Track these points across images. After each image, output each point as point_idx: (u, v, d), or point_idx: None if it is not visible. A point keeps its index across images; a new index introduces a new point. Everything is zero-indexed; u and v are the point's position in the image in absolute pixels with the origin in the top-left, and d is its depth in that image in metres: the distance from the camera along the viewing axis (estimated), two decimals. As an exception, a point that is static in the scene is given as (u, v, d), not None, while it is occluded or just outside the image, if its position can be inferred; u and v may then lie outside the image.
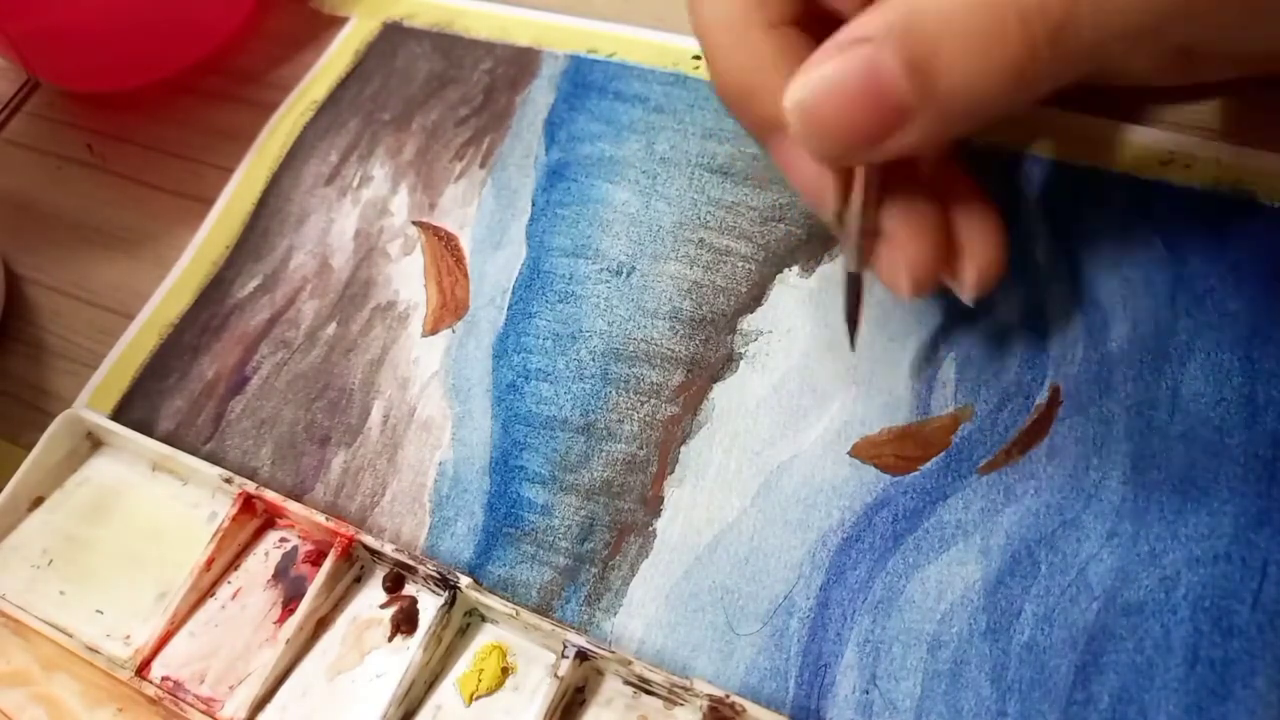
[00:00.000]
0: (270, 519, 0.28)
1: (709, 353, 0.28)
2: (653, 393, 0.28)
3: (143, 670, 0.26)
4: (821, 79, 0.20)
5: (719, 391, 0.27)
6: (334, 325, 0.31)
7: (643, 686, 0.24)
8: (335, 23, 0.38)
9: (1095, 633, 0.22)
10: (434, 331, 0.30)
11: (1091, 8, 0.18)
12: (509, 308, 0.30)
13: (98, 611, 0.28)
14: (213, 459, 0.29)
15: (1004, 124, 0.28)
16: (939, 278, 0.23)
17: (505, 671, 0.25)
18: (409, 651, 0.25)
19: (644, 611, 0.25)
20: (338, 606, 0.27)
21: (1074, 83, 0.20)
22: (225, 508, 0.28)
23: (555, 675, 0.24)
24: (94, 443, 0.31)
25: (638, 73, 0.33)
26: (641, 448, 0.27)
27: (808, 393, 0.26)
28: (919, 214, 0.23)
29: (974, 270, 0.23)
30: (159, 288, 0.34)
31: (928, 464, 0.25)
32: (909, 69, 0.19)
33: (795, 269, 0.28)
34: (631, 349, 0.28)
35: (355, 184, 0.34)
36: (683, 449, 0.27)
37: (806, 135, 0.20)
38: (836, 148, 0.20)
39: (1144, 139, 0.27)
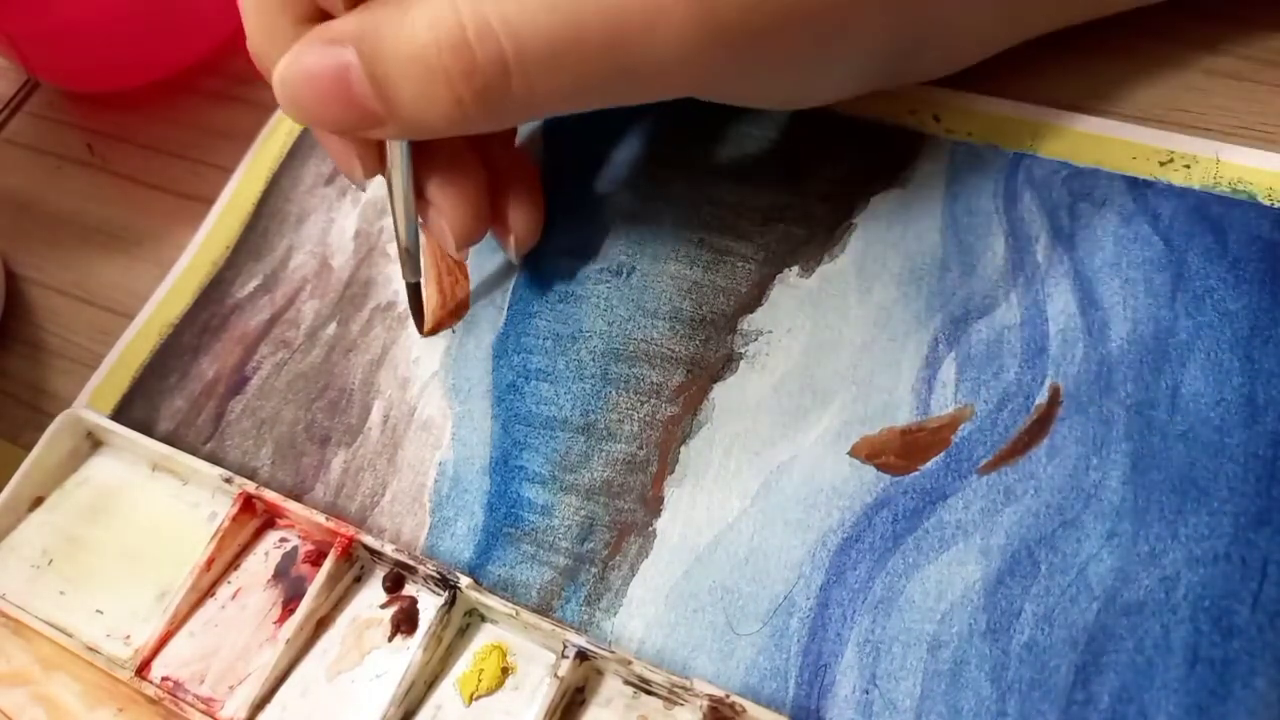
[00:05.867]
0: (270, 519, 0.28)
1: (709, 353, 0.28)
2: (653, 393, 0.27)
3: (143, 670, 0.26)
4: (301, 67, 0.21)
5: (719, 391, 0.27)
6: (334, 325, 0.31)
7: (643, 686, 0.24)
8: (335, 23, 0.38)
9: (1095, 633, 0.22)
10: (434, 331, 0.30)
11: (523, 83, 0.20)
12: (509, 308, 0.30)
13: (98, 611, 0.28)
14: (213, 459, 0.29)
15: (1002, 123, 0.28)
16: (481, 236, 0.28)
17: (505, 671, 0.25)
18: (409, 651, 0.25)
19: (644, 611, 0.25)
20: (338, 606, 0.27)
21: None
22: (225, 508, 0.28)
23: (555, 675, 0.24)
24: (94, 443, 0.31)
25: (638, 73, 0.33)
26: (641, 448, 0.27)
27: (808, 393, 0.26)
28: (459, 185, 0.26)
29: (515, 239, 0.29)
30: (159, 288, 0.34)
31: (928, 464, 0.25)
32: (373, 82, 0.21)
33: (795, 269, 0.28)
34: (631, 349, 0.28)
35: (355, 184, 0.34)
36: (683, 449, 0.27)
37: (290, 112, 0.22)
38: (319, 127, 0.23)
39: (1144, 139, 0.27)
